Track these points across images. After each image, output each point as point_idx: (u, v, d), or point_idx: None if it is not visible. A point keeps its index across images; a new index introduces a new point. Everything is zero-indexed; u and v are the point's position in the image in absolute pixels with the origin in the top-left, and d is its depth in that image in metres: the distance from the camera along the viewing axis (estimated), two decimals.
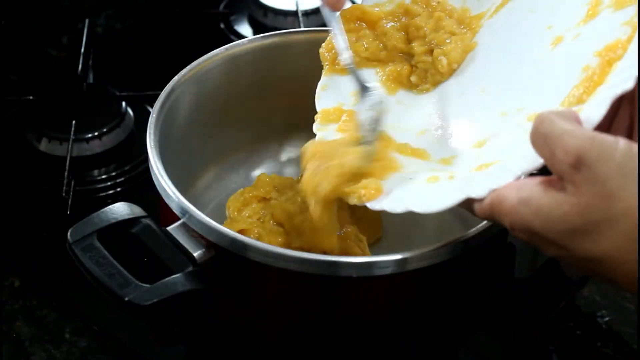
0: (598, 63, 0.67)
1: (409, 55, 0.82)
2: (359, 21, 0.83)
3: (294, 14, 1.17)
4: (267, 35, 0.91)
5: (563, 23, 0.74)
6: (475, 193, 0.64)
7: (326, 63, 0.83)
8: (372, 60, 0.83)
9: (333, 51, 0.82)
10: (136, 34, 1.21)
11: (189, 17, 1.22)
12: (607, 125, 0.66)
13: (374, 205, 0.70)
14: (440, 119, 0.79)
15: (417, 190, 0.70)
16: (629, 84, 0.62)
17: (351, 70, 0.80)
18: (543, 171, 0.62)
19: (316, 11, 1.17)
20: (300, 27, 1.13)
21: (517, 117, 0.72)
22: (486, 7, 0.81)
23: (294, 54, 0.91)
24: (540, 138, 0.60)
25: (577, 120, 0.61)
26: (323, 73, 0.83)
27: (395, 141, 0.78)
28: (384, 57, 0.82)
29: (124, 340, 0.81)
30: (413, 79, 0.82)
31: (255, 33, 1.17)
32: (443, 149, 0.76)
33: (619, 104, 0.66)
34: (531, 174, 0.63)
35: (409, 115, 0.80)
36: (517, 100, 0.73)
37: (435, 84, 0.81)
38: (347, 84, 0.81)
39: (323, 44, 0.83)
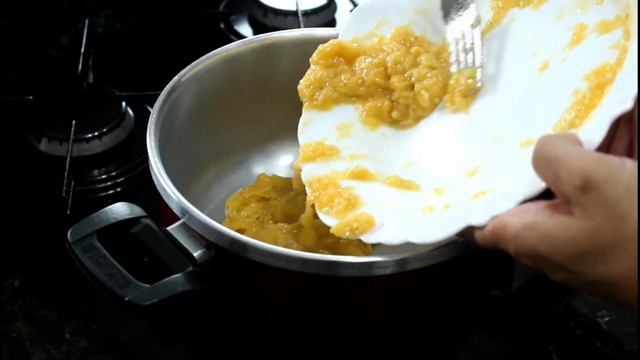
0: (588, 87, 0.67)
1: (388, 91, 0.81)
2: (337, 56, 0.82)
3: (294, 14, 1.17)
4: (267, 35, 0.91)
5: (548, 48, 0.74)
6: (476, 220, 0.64)
7: (305, 100, 0.82)
8: (351, 96, 0.82)
9: (311, 87, 0.82)
10: (136, 34, 1.21)
11: (189, 17, 1.22)
12: (606, 147, 0.65)
13: (368, 238, 0.70)
14: (427, 149, 0.78)
15: (412, 221, 0.70)
16: (627, 104, 0.62)
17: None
18: (541, 196, 0.62)
19: (316, 11, 1.18)
20: (300, 27, 1.13)
21: (509, 144, 0.71)
22: None
23: (294, 54, 0.90)
24: (543, 161, 0.59)
25: (579, 143, 0.61)
26: (303, 109, 0.82)
27: (376, 173, 0.77)
28: (364, 92, 0.81)
29: (124, 340, 0.81)
30: (394, 114, 0.81)
31: (255, 33, 1.17)
32: (433, 179, 0.75)
33: (616, 125, 0.65)
34: (531, 200, 0.63)
35: (394, 148, 0.80)
36: (506, 127, 0.73)
37: (417, 119, 0.80)
38: (328, 119, 0.81)
39: (302, 80, 0.82)
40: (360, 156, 0.79)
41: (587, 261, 0.57)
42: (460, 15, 0.79)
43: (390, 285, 0.72)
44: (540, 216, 0.59)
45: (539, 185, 0.62)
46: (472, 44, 0.77)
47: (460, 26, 0.78)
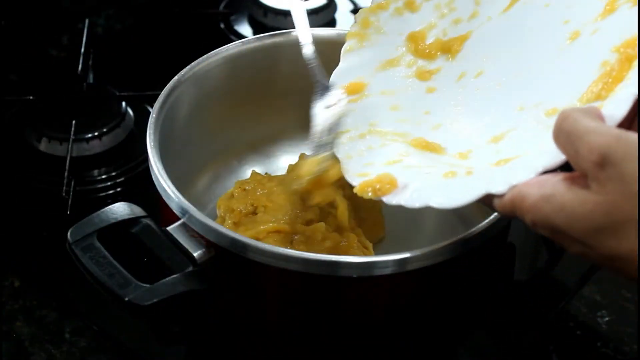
0: (616, 59, 0.67)
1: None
2: None
3: None
4: (267, 35, 0.91)
5: (580, 18, 0.73)
6: (496, 189, 0.64)
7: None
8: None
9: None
10: (136, 34, 1.21)
11: (189, 17, 1.22)
12: (628, 123, 0.65)
13: (390, 199, 0.70)
14: (454, 112, 0.78)
15: (434, 185, 0.70)
16: None
17: (312, 65, 0.80)
18: (563, 168, 0.62)
19: (316, 11, 1.17)
20: None
21: (535, 112, 0.71)
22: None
23: (294, 54, 0.90)
24: (564, 135, 0.59)
25: (600, 117, 0.61)
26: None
27: (403, 134, 0.78)
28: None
29: (124, 340, 0.81)
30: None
31: (255, 33, 1.17)
32: (459, 142, 0.75)
33: None
34: (551, 171, 0.63)
35: (424, 108, 0.80)
36: (534, 94, 0.73)
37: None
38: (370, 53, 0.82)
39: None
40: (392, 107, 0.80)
41: (601, 236, 0.57)
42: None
43: (390, 285, 0.72)
44: (558, 188, 0.59)
45: (560, 157, 0.62)
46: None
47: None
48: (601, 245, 0.58)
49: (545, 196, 0.59)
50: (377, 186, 0.70)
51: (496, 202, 0.64)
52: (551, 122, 0.63)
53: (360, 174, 0.74)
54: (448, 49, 0.82)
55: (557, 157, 0.62)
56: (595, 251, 0.59)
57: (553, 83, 0.72)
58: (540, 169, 0.63)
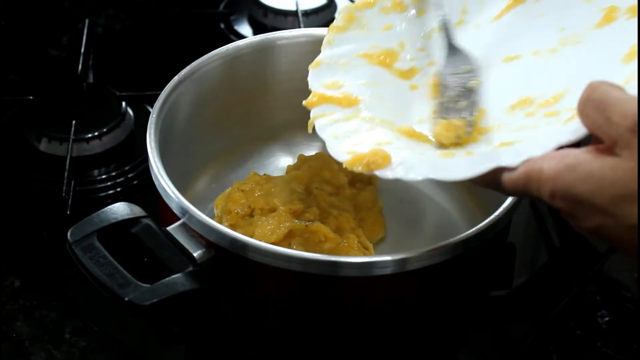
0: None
1: None
2: None
3: (294, 14, 1.17)
4: (267, 35, 0.91)
5: (576, 27, 0.74)
6: (507, 161, 0.63)
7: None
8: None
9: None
10: (136, 34, 1.21)
11: (189, 17, 1.22)
12: None
13: (385, 173, 0.67)
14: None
15: (432, 162, 0.68)
16: None
17: (445, 24, 0.79)
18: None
19: (316, 11, 1.17)
20: (300, 27, 1.13)
21: (528, 109, 0.71)
22: None
23: (294, 54, 0.91)
24: (593, 104, 0.59)
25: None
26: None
27: (396, 123, 0.76)
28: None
29: (124, 340, 0.81)
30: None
31: (255, 33, 1.17)
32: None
33: None
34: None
35: (408, 102, 0.79)
36: (525, 93, 0.73)
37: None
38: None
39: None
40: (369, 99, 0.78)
41: (627, 203, 0.57)
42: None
43: (390, 285, 0.72)
44: (583, 158, 0.59)
45: (577, 134, 0.62)
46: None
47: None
48: (626, 213, 0.58)
49: (569, 165, 0.59)
50: (370, 160, 0.68)
51: (506, 177, 0.63)
52: (548, 119, 0.62)
53: (350, 151, 0.71)
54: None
55: (577, 131, 0.62)
56: (617, 220, 0.58)
57: (543, 82, 0.72)
58: (555, 144, 0.62)
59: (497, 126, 0.72)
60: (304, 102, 0.76)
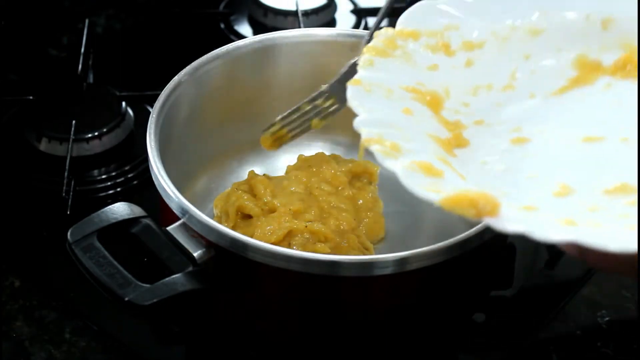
0: None
1: None
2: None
3: (294, 14, 1.17)
4: (267, 35, 0.91)
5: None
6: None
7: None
8: None
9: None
10: (136, 34, 1.21)
11: (189, 17, 1.22)
12: None
13: (501, 224, 0.59)
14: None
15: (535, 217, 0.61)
16: None
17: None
18: None
19: (316, 11, 1.18)
20: (300, 27, 1.13)
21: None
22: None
23: (294, 54, 0.91)
24: None
25: None
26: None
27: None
28: None
29: (124, 340, 0.81)
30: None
31: (255, 33, 1.17)
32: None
33: None
34: None
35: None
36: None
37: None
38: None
39: None
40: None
41: None
42: None
43: (390, 285, 0.72)
44: None
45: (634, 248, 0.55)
46: None
47: None
48: None
49: None
50: (482, 204, 0.59)
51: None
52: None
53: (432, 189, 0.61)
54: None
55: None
56: None
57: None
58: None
59: (591, 209, 0.63)
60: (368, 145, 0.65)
